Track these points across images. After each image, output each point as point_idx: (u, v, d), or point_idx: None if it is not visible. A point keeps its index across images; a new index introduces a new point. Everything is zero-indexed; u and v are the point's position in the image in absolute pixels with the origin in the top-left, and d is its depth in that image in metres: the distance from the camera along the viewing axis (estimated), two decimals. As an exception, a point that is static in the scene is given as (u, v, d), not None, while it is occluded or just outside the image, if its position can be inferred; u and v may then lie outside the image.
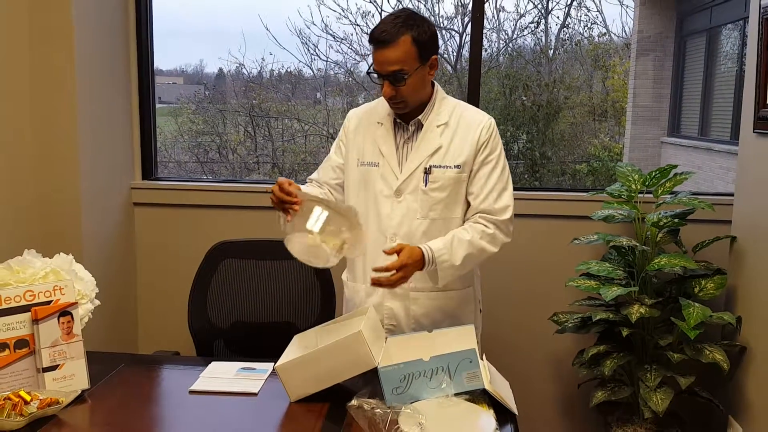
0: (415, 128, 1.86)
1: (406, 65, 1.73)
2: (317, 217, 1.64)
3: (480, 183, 1.84)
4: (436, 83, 1.89)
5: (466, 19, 5.82)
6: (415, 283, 1.84)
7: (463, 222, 1.87)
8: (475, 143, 1.83)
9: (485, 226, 1.82)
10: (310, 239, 1.64)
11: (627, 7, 6.96)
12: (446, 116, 1.86)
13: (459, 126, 1.85)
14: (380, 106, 1.92)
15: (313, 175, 2.02)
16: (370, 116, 1.93)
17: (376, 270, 1.69)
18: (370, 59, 1.79)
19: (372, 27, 1.78)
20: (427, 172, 1.83)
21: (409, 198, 1.84)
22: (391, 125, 1.88)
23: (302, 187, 1.81)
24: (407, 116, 1.86)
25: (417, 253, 1.72)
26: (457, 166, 1.83)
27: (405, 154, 1.86)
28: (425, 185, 1.83)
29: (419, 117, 1.85)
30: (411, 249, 1.72)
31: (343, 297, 2.06)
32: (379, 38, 1.73)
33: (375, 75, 1.78)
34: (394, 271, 1.68)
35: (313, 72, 6.37)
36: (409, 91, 1.77)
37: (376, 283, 1.70)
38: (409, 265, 1.70)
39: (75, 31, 2.39)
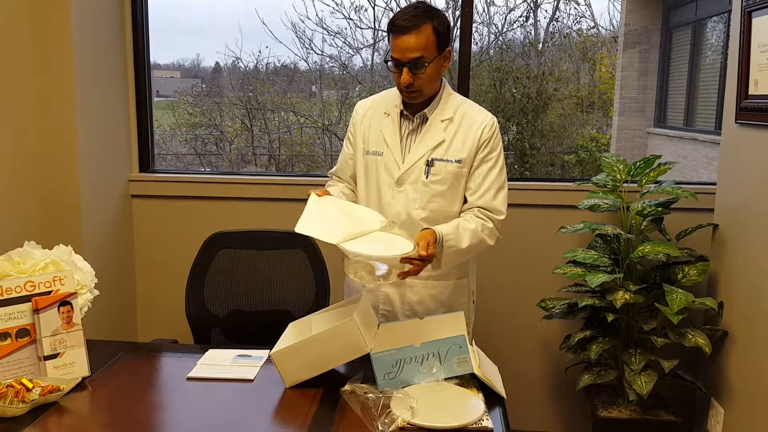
0: (420, 121, 1.88)
1: (426, 53, 1.75)
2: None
3: (478, 180, 1.86)
4: (443, 79, 1.90)
5: (457, 13, 5.83)
6: None
7: (459, 216, 1.88)
8: (476, 140, 1.85)
9: (484, 220, 1.84)
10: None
11: (614, 0, 7.00)
12: (451, 111, 1.87)
13: (462, 122, 1.87)
14: (387, 98, 1.94)
15: (335, 170, 2.03)
16: (377, 107, 1.95)
17: (405, 261, 1.64)
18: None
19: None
20: (429, 164, 1.85)
21: (410, 188, 1.86)
22: (397, 116, 1.89)
23: (330, 189, 1.88)
24: (413, 108, 1.88)
25: (432, 235, 1.71)
26: (458, 161, 1.85)
27: (408, 146, 1.88)
28: (426, 177, 1.85)
29: (425, 110, 1.87)
30: (425, 234, 1.71)
31: (341, 284, 2.09)
32: (402, 25, 1.74)
33: (392, 63, 1.79)
34: (421, 254, 1.65)
35: (308, 65, 6.38)
36: (426, 79, 1.79)
37: (406, 274, 1.67)
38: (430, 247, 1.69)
39: (73, 26, 2.40)
